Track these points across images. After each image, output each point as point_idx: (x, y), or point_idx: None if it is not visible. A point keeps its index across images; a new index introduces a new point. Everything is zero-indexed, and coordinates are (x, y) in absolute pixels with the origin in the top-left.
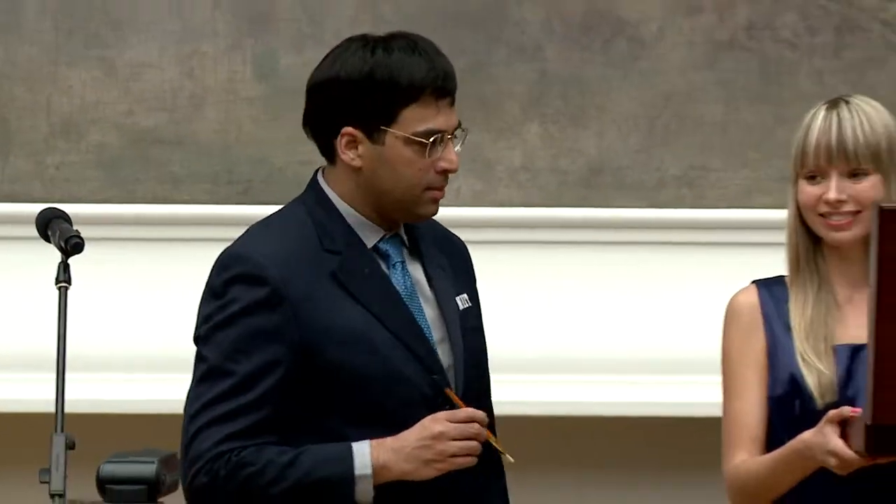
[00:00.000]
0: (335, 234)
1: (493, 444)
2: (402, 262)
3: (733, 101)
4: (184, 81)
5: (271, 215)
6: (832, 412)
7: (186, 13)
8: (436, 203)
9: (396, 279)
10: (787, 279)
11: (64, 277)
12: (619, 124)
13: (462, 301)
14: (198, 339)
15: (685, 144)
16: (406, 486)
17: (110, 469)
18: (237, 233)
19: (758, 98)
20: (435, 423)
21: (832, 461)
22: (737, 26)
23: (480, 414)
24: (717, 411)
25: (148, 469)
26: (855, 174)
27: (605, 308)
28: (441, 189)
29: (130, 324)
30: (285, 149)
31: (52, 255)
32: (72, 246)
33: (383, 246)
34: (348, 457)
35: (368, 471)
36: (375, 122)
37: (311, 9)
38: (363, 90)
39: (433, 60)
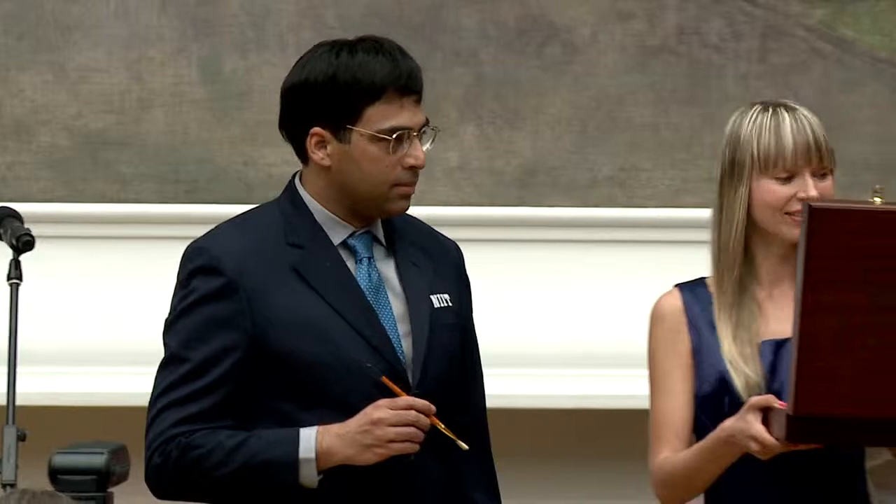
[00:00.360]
0: (301, 230)
1: (443, 431)
2: (370, 258)
3: (663, 103)
4: (131, 85)
5: (245, 212)
6: (754, 399)
7: (133, 19)
8: (406, 199)
9: (361, 273)
10: (707, 280)
11: (15, 274)
12: (552, 126)
13: (439, 300)
14: (164, 328)
15: (616, 145)
16: (353, 471)
17: (61, 460)
18: (183, 231)
19: (686, 101)
20: (375, 409)
21: (754, 446)
22: (666, 32)
23: (421, 402)
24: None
25: (98, 460)
26: (822, 174)
27: (539, 304)
28: (410, 185)
29: (80, 319)
30: (229, 150)
31: (4, 252)
32: (23, 243)
33: (351, 242)
34: (294, 441)
35: (312, 454)
36: (341, 121)
37: (254, 14)
38: (328, 91)
39: (396, 60)
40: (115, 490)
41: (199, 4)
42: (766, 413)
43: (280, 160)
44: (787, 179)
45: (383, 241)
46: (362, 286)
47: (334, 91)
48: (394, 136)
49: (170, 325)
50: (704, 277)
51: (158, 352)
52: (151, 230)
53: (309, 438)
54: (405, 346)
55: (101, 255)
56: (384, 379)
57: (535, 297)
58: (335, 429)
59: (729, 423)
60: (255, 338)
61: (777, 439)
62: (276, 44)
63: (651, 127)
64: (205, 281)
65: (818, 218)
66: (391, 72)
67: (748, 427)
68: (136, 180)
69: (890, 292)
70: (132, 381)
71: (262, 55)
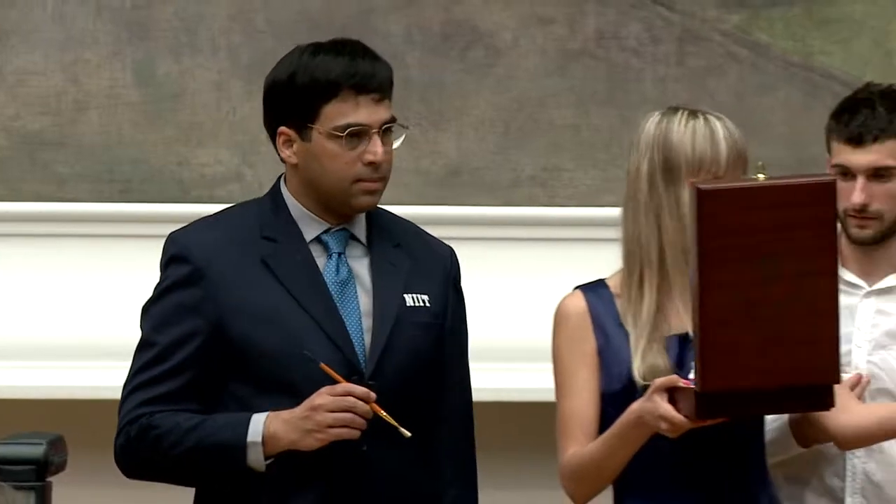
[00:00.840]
0: (276, 225)
1: (384, 418)
2: (341, 254)
3: (583, 105)
4: (68, 87)
5: (229, 206)
6: (659, 380)
7: (69, 23)
8: (370, 194)
9: (330, 268)
10: (608, 281)
11: None
12: (476, 127)
13: (414, 299)
14: (141, 314)
15: (538, 146)
16: (301, 457)
17: (1, 450)
18: (118, 229)
19: (606, 103)
20: (316, 396)
21: (663, 425)
22: (586, 36)
23: (359, 389)
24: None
25: (36, 450)
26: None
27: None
28: (372, 181)
29: (18, 314)
30: (163, 150)
31: None
32: None
33: (325, 238)
34: (244, 425)
35: (259, 438)
36: (302, 120)
37: (186, 19)
38: (289, 91)
39: (355, 60)
40: (53, 479)
41: (133, 9)
42: (671, 393)
43: (213, 160)
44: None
45: (363, 239)
46: (329, 281)
47: (294, 91)
48: (347, 132)
49: (145, 311)
50: (603, 279)
51: (93, 346)
52: (87, 228)
53: (258, 423)
54: (366, 339)
55: (38, 253)
56: (322, 366)
57: None
58: (283, 414)
59: (637, 406)
60: (218, 324)
61: (686, 417)
62: (208, 48)
63: (572, 128)
64: (175, 269)
65: (705, 199)
66: (346, 70)
67: (656, 407)
68: (72, 180)
69: (779, 263)
70: (68, 375)
71: (194, 59)
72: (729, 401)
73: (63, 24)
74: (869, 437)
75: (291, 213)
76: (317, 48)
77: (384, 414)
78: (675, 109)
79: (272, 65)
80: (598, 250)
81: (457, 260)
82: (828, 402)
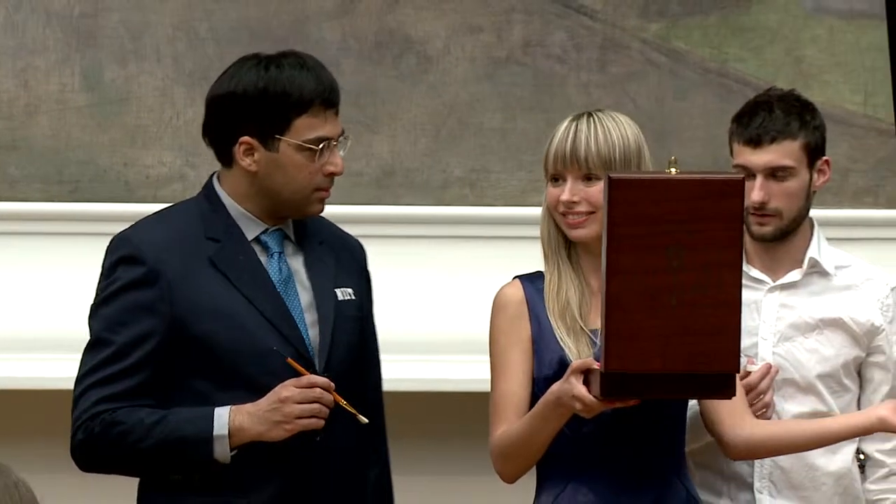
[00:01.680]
0: (218, 225)
1: (345, 407)
2: (281, 253)
3: (510, 110)
4: (19, 92)
5: (166, 207)
6: (575, 362)
7: (20, 31)
8: (322, 202)
9: (272, 267)
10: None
11: None
12: (408, 131)
13: (342, 293)
14: (90, 314)
15: (467, 149)
16: (263, 448)
17: None
18: (68, 227)
19: (532, 108)
20: (283, 388)
21: (577, 405)
22: (513, 44)
23: (322, 380)
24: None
25: None
26: (588, 178)
27: (396, 295)
28: (327, 190)
29: None
30: (110, 152)
31: None
32: None
33: (264, 238)
34: (209, 419)
35: (225, 431)
36: (270, 131)
37: (132, 28)
38: (259, 103)
39: (320, 75)
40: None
41: (81, 18)
42: (587, 375)
43: (156, 161)
44: (559, 182)
45: (293, 238)
46: (273, 278)
47: (265, 103)
48: (319, 145)
49: (95, 311)
50: (541, 270)
51: (37, 339)
52: (38, 227)
53: (222, 416)
54: (311, 334)
55: None
56: (289, 360)
57: (391, 290)
58: (247, 408)
59: (555, 387)
60: (174, 323)
61: (596, 398)
62: (152, 54)
63: (499, 132)
64: (127, 270)
65: (617, 187)
66: (317, 86)
67: (571, 388)
68: (23, 181)
69: (686, 254)
70: (14, 367)
71: (139, 65)
72: (632, 383)
73: (14, 32)
74: (756, 454)
75: (230, 212)
76: (277, 62)
77: (345, 403)
78: (581, 112)
79: (214, 71)
80: (524, 248)
81: (364, 250)
82: (728, 391)
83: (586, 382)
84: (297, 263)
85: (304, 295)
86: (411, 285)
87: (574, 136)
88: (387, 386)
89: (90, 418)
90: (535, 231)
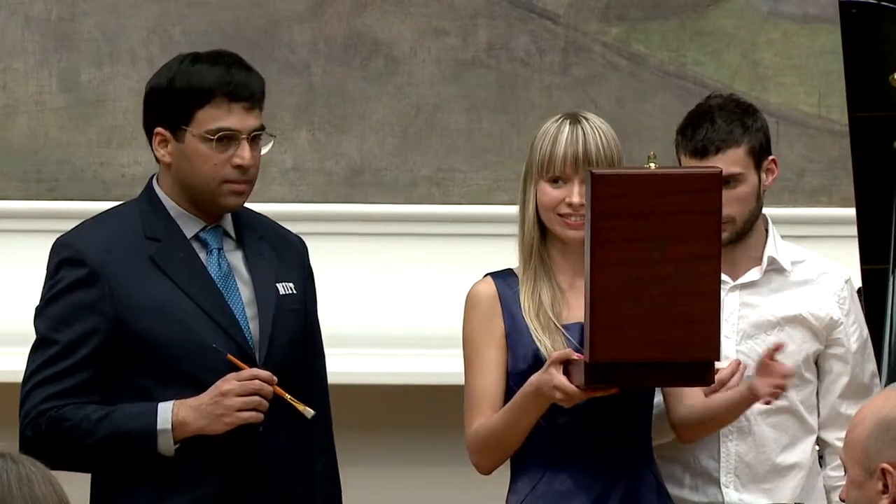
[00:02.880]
0: (157, 224)
1: (288, 399)
2: (220, 249)
3: (475, 111)
4: None
5: (107, 209)
6: (555, 354)
7: None
8: (237, 195)
9: (212, 263)
10: (515, 270)
11: None
12: (376, 131)
13: (284, 287)
14: (35, 315)
15: (434, 149)
16: (207, 441)
17: None
18: (45, 225)
19: (496, 109)
20: (224, 382)
21: (558, 395)
22: (478, 47)
23: (264, 373)
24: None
25: None
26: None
27: (365, 291)
28: (239, 183)
29: None
30: (86, 152)
31: None
32: None
33: (203, 235)
34: (152, 414)
35: (168, 426)
36: (176, 122)
37: (108, 31)
38: (167, 95)
39: (230, 69)
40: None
41: (59, 21)
42: (566, 366)
43: (132, 161)
44: (559, 183)
45: (233, 234)
46: (213, 275)
47: (171, 95)
48: (217, 136)
49: (40, 311)
50: (511, 268)
51: (16, 334)
52: (16, 224)
53: (166, 411)
54: (252, 328)
55: None
56: (229, 357)
57: (361, 286)
58: (190, 402)
59: (535, 378)
60: (117, 321)
61: (577, 387)
62: (127, 57)
63: (465, 132)
64: (70, 271)
65: (599, 183)
66: (221, 78)
67: (552, 378)
68: (2, 179)
69: (666, 246)
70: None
71: (115, 67)
72: (616, 372)
73: None
74: (695, 433)
75: (169, 212)
76: (196, 57)
77: (289, 396)
78: (566, 115)
79: None
80: (489, 245)
81: (306, 247)
82: (708, 378)
83: (566, 373)
84: (236, 259)
85: (244, 290)
86: (381, 281)
87: (584, 139)
88: (355, 381)
89: (37, 416)
90: (501, 229)
